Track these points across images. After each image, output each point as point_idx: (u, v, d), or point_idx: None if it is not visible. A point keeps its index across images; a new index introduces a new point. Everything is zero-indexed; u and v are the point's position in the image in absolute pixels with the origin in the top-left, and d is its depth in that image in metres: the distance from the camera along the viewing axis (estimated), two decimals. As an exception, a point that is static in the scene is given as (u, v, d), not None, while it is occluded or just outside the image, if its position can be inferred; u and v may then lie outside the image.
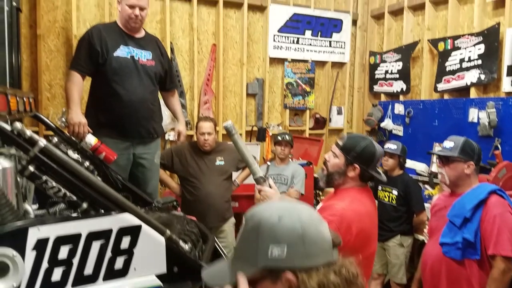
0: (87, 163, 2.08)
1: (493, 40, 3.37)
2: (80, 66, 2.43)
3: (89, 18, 3.60)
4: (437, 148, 3.75)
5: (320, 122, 4.82)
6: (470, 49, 3.54)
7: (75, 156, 2.05)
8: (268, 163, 3.11)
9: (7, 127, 1.12)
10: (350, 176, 1.67)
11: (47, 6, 3.43)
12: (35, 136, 1.13)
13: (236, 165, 3.21)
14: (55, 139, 2.03)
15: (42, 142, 1.14)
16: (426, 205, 3.31)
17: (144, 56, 2.58)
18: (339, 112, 5.00)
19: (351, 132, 5.07)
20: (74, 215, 1.25)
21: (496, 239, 1.83)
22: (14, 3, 2.50)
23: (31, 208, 1.55)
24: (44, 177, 1.17)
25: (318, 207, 1.86)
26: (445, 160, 2.09)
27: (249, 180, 3.34)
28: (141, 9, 2.51)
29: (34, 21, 3.37)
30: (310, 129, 4.74)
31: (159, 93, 2.81)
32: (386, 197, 3.23)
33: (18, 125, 1.11)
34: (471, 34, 3.54)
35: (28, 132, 1.12)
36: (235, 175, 3.28)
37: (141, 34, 2.67)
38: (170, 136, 3.92)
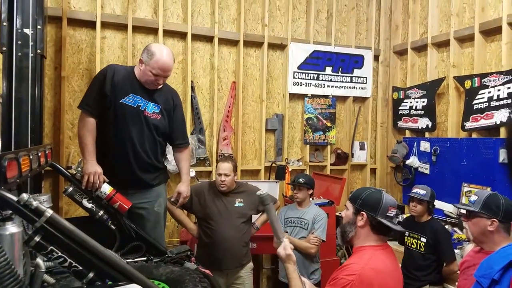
0: (101, 212, 2.06)
1: (523, 79, 3.24)
2: (89, 107, 2.35)
3: (112, 59, 3.68)
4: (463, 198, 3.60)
5: (342, 158, 4.71)
6: (499, 87, 3.41)
7: (90, 205, 2.04)
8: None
9: (14, 198, 1.09)
10: (359, 226, 1.68)
11: (72, 49, 3.54)
12: (42, 207, 1.10)
13: (256, 208, 3.11)
14: (71, 189, 2.03)
15: (49, 212, 1.10)
16: (456, 251, 3.12)
17: (151, 109, 2.47)
18: (362, 147, 4.89)
19: (375, 167, 4.93)
20: (79, 286, 1.19)
21: None
22: (38, 50, 2.58)
23: (42, 261, 1.52)
24: (50, 247, 1.12)
25: None
26: (468, 214, 2.00)
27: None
28: (165, 77, 2.46)
29: (59, 63, 3.47)
30: (331, 164, 4.63)
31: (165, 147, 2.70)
32: (413, 244, 3.06)
33: (24, 196, 1.08)
34: (500, 73, 3.41)
35: (35, 203, 1.08)
36: (254, 217, 3.18)
37: None
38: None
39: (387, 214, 1.68)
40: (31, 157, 1.45)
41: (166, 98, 2.57)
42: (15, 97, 2.28)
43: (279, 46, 4.41)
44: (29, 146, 2.39)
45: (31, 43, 2.43)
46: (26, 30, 2.34)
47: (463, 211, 2.28)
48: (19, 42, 2.32)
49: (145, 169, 2.48)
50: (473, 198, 2.03)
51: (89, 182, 2.08)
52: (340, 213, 4.22)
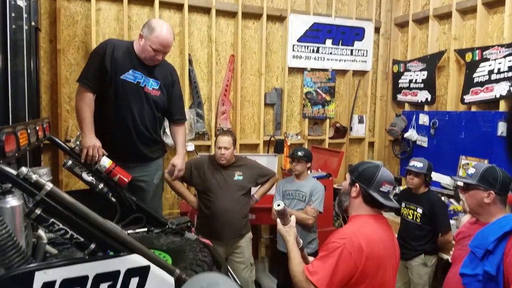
0: (101, 185, 2.08)
1: (524, 51, 3.21)
2: (88, 81, 2.32)
3: (108, 32, 3.62)
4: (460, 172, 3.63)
5: (341, 131, 4.72)
6: (500, 60, 3.37)
7: (89, 178, 2.06)
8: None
9: (13, 172, 1.10)
10: (353, 196, 1.77)
11: (67, 21, 3.47)
12: (41, 180, 1.11)
13: (255, 181, 3.14)
14: (70, 162, 2.04)
15: (48, 185, 1.11)
16: (452, 221, 3.18)
17: (151, 85, 2.46)
18: (361, 121, 4.88)
19: (373, 140, 4.95)
20: (81, 256, 1.22)
21: None
22: (33, 23, 2.53)
23: (44, 233, 1.55)
24: (51, 220, 1.14)
25: None
26: (465, 186, 2.02)
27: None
28: (164, 53, 2.43)
29: (54, 36, 3.41)
30: (330, 138, 4.64)
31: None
32: (410, 215, 3.11)
33: (23, 169, 1.09)
34: (501, 45, 3.37)
35: (34, 176, 1.09)
36: (253, 190, 3.22)
37: None
38: (188, 147, 3.90)
39: (380, 189, 1.73)
40: (29, 131, 1.45)
41: (165, 74, 2.55)
42: (11, 70, 2.25)
43: (278, 18, 4.32)
44: (26, 120, 2.38)
45: (25, 15, 2.38)
46: (19, 2, 2.29)
47: (460, 183, 2.31)
48: (13, 15, 2.26)
49: (145, 143, 2.50)
50: (471, 170, 2.04)
51: (88, 155, 2.08)
52: (338, 185, 4.27)
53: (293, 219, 1.79)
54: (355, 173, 1.78)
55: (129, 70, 2.36)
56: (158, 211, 2.60)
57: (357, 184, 1.75)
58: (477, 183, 1.96)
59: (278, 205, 1.68)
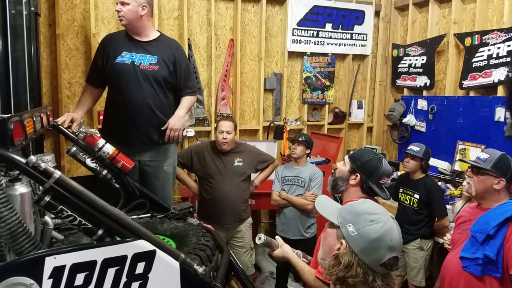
0: (104, 172, 2.11)
1: (524, 37, 3.21)
2: (88, 78, 2.62)
3: (107, 16, 3.60)
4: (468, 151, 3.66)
5: (340, 117, 4.74)
6: (499, 45, 3.37)
7: (93, 165, 2.08)
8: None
9: (23, 160, 1.12)
10: (351, 184, 1.77)
11: (66, 5, 3.44)
12: (50, 168, 1.14)
13: (255, 167, 3.18)
14: (74, 148, 2.06)
15: (57, 173, 1.14)
16: (448, 206, 3.23)
17: (147, 61, 2.45)
18: (360, 106, 4.90)
19: (372, 126, 4.97)
20: (89, 242, 1.26)
21: None
22: (32, 8, 2.51)
23: (50, 219, 1.59)
24: (60, 207, 1.18)
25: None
26: (476, 171, 2.03)
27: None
28: (122, 3, 2.38)
29: (53, 20, 3.38)
30: (329, 123, 4.67)
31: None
32: (407, 200, 3.16)
33: (32, 158, 1.11)
34: (501, 30, 3.37)
35: (43, 164, 1.12)
36: (253, 176, 3.26)
37: (149, 37, 2.52)
38: (188, 133, 3.93)
39: (380, 181, 1.76)
40: (34, 118, 1.47)
41: (164, 49, 2.54)
42: (12, 56, 2.25)
43: (278, 1, 4.29)
44: (28, 106, 2.39)
45: (24, 0, 2.36)
46: (18, -13, 2.27)
47: (457, 168, 2.33)
48: (12, 0, 2.25)
49: (150, 124, 2.47)
50: (484, 156, 2.05)
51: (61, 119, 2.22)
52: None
53: (278, 238, 1.79)
54: (357, 163, 1.77)
55: (121, 53, 2.44)
56: (168, 199, 2.61)
57: (357, 174, 1.75)
58: (490, 169, 1.98)
59: (259, 238, 1.70)
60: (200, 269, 1.39)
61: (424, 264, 3.13)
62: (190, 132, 3.91)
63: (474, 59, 3.62)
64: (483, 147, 3.43)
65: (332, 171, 1.95)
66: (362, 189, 1.77)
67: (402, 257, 3.21)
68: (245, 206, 3.16)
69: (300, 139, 3.25)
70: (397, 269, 1.29)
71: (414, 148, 3.10)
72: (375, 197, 1.82)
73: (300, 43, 4.40)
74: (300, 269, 1.70)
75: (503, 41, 3.35)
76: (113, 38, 2.54)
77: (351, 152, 1.87)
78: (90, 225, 1.23)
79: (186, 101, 2.63)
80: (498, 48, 3.39)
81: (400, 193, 3.23)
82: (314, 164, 3.46)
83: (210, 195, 3.06)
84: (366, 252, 1.11)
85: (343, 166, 1.83)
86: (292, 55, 4.45)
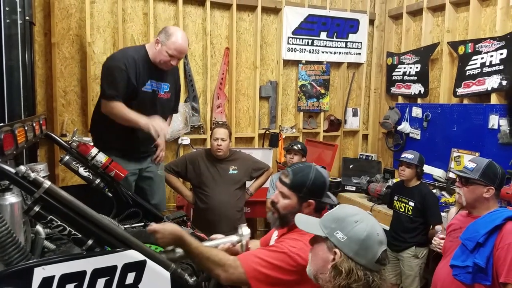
0: (97, 181, 2.10)
1: (516, 45, 3.24)
2: (119, 97, 2.38)
3: (102, 25, 3.61)
4: (453, 166, 3.67)
5: (335, 124, 4.76)
6: (492, 53, 3.40)
7: (86, 173, 2.08)
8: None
9: (12, 170, 1.12)
10: (306, 212, 1.53)
11: (61, 14, 3.46)
12: (39, 178, 1.14)
13: (250, 174, 3.18)
14: (67, 157, 2.06)
15: (46, 183, 1.14)
16: (443, 214, 3.24)
17: (163, 89, 2.61)
18: (355, 114, 4.92)
19: (367, 133, 4.99)
20: (79, 252, 1.25)
21: (509, 267, 1.76)
22: (27, 17, 2.52)
23: (42, 228, 1.58)
24: (49, 217, 1.17)
25: (274, 235, 1.76)
26: (464, 181, 2.03)
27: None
28: (179, 59, 2.54)
29: (48, 29, 3.40)
30: (324, 131, 4.68)
31: None
32: (402, 208, 3.16)
33: (22, 168, 1.11)
34: (493, 38, 3.40)
35: (33, 174, 1.12)
36: (248, 183, 3.26)
37: None
38: (183, 140, 3.93)
39: (327, 192, 1.62)
40: (26, 128, 1.47)
41: (172, 73, 2.70)
42: (6, 65, 2.26)
43: (273, 10, 4.32)
44: (22, 115, 2.39)
45: (19, 9, 2.38)
46: (13, -4, 2.28)
47: (452, 175, 2.34)
48: (7, 9, 2.26)
49: (153, 139, 2.59)
50: (471, 165, 2.04)
51: (156, 130, 2.33)
52: (331, 178, 4.32)
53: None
54: (304, 190, 1.55)
55: (147, 80, 2.48)
56: (163, 200, 2.83)
57: (311, 201, 1.56)
58: (478, 178, 1.98)
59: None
60: (191, 280, 1.39)
61: (419, 272, 3.12)
62: (186, 140, 3.91)
63: (467, 67, 3.65)
64: (477, 154, 3.45)
65: (269, 210, 1.64)
66: (315, 211, 1.58)
67: (397, 265, 3.20)
68: (240, 214, 3.15)
69: (296, 147, 3.25)
70: (389, 261, 1.26)
71: (408, 156, 3.10)
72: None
73: (295, 51, 4.43)
74: (198, 251, 1.47)
75: (496, 49, 3.38)
76: (136, 61, 2.44)
77: (288, 181, 1.57)
78: (80, 235, 1.23)
79: (170, 119, 2.91)
80: (491, 56, 3.42)
81: (395, 201, 3.24)
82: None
83: (205, 203, 3.05)
84: (360, 253, 1.13)
85: (285, 199, 1.57)
86: (288, 63, 4.48)
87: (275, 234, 1.77)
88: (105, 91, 2.42)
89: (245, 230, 1.75)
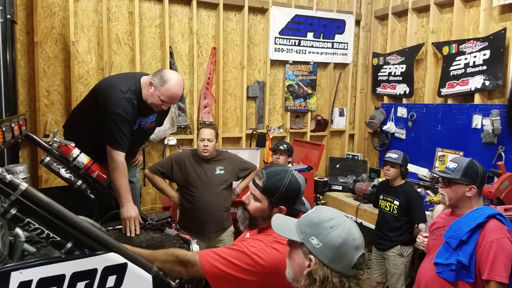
0: (79, 182, 2.08)
1: (498, 46, 3.28)
2: (125, 148, 2.26)
3: (87, 23, 3.57)
4: (437, 167, 3.72)
5: (322, 124, 4.78)
6: (475, 54, 3.45)
7: (68, 175, 2.05)
8: None
9: (-14, 173, 1.09)
10: None
11: (44, 13, 3.40)
12: (16, 180, 1.11)
13: (236, 175, 3.17)
14: (48, 158, 2.03)
15: (23, 185, 1.11)
16: (428, 213, 3.27)
17: (149, 121, 2.51)
18: (341, 114, 4.95)
19: (353, 133, 5.02)
20: (58, 256, 1.23)
21: (492, 265, 1.79)
22: (8, 16, 2.48)
23: (21, 231, 1.55)
24: (27, 219, 1.15)
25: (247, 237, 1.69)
26: (447, 181, 2.06)
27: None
28: (171, 104, 2.50)
29: (31, 28, 3.34)
30: (311, 131, 4.70)
31: None
32: (387, 207, 3.19)
33: (-3, 170, 1.09)
34: (477, 39, 3.45)
35: (9, 176, 1.09)
36: (235, 184, 3.25)
37: None
38: (169, 141, 3.90)
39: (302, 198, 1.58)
40: (3, 129, 1.44)
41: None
42: (-14, 65, 2.22)
43: (260, 10, 4.32)
44: (3, 115, 2.34)
45: (0, 8, 2.34)
46: (-7, -6, 2.24)
47: (435, 175, 2.37)
48: (-13, 8, 2.23)
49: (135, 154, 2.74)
50: (452, 165, 2.07)
51: (127, 228, 2.03)
52: (318, 178, 4.34)
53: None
54: (277, 196, 1.48)
55: (137, 119, 2.37)
56: (139, 206, 2.67)
57: (282, 207, 1.50)
58: (460, 178, 2.00)
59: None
60: (174, 282, 1.37)
61: (405, 271, 3.15)
62: (172, 140, 3.89)
63: (451, 68, 3.69)
64: (461, 154, 3.49)
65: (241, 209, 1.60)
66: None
67: (383, 264, 3.23)
68: (227, 214, 3.14)
69: (282, 148, 3.25)
70: (366, 265, 1.25)
71: (392, 155, 3.13)
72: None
73: (282, 51, 4.43)
74: (152, 257, 1.45)
75: (479, 50, 3.43)
76: (135, 103, 2.30)
77: (261, 183, 1.50)
78: (59, 238, 1.20)
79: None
80: (475, 56, 3.47)
81: (380, 200, 3.26)
82: (297, 172, 3.46)
83: (191, 204, 3.03)
84: (336, 260, 1.10)
85: (256, 202, 1.51)
86: (275, 63, 4.48)
87: (247, 236, 1.75)
88: (117, 140, 2.21)
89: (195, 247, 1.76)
